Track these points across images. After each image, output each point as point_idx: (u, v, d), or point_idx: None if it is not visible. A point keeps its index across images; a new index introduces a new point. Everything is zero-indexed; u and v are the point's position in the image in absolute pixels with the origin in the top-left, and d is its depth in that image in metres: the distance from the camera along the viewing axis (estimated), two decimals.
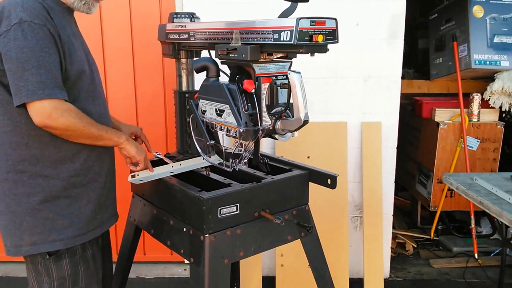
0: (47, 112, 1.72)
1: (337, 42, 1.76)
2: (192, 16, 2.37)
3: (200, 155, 2.15)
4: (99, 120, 1.93)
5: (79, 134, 1.82)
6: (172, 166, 2.26)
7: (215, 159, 2.10)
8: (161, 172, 2.20)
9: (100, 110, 2.00)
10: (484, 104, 3.96)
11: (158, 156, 2.36)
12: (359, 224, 3.74)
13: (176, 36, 2.30)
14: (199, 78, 2.18)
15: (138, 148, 2.04)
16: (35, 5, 1.75)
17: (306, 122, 1.82)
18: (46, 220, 1.85)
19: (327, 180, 2.17)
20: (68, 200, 1.89)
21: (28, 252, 1.86)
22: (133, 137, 2.35)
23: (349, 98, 3.58)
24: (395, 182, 3.76)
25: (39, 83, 1.69)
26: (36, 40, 1.70)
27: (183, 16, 2.36)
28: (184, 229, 2.00)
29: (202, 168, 2.27)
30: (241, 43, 1.83)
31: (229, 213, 1.93)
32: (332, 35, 1.74)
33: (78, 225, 1.91)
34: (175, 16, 2.37)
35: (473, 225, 4.01)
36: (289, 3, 1.84)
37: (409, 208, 4.95)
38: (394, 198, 3.83)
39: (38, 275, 1.90)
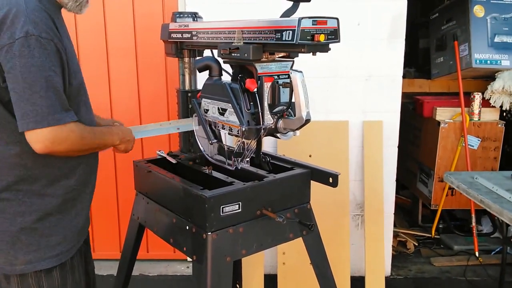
0: (49, 139, 1.57)
1: (338, 41, 1.76)
2: (194, 16, 2.37)
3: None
4: (90, 125, 1.84)
5: (83, 150, 1.75)
6: (161, 125, 2.25)
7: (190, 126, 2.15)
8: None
9: (91, 117, 1.91)
10: (485, 103, 3.96)
11: (161, 154, 2.36)
12: (361, 223, 3.74)
13: (179, 35, 2.30)
14: (202, 77, 2.19)
15: (128, 144, 1.99)
16: (41, 14, 1.57)
17: (308, 121, 1.82)
18: (41, 237, 1.74)
19: (329, 178, 2.17)
20: (61, 215, 1.79)
21: (23, 271, 1.74)
22: None
23: (350, 97, 3.58)
24: (396, 180, 3.76)
25: (49, 107, 1.54)
26: (44, 58, 1.53)
27: (186, 15, 2.36)
28: (187, 227, 2.00)
29: (204, 167, 2.27)
30: (243, 43, 1.83)
31: (232, 211, 1.93)
32: (334, 35, 1.74)
33: (70, 238, 1.83)
34: (178, 15, 2.37)
35: (473, 224, 4.02)
36: (291, 3, 1.84)
37: (410, 206, 4.94)
38: (395, 196, 3.84)
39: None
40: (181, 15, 2.36)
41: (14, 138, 1.65)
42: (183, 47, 2.37)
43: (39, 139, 1.56)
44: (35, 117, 1.53)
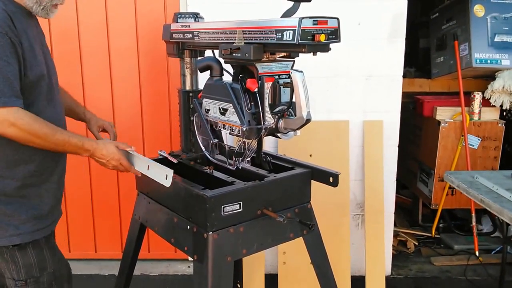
0: (0, 120, 1.72)
1: (339, 41, 1.77)
2: (196, 16, 2.38)
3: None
4: (55, 121, 1.91)
5: (35, 142, 1.81)
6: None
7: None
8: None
9: (55, 111, 2.01)
10: (485, 102, 3.96)
11: (163, 154, 2.36)
12: (361, 222, 3.75)
13: (181, 35, 2.31)
14: (203, 77, 2.19)
15: (107, 155, 1.97)
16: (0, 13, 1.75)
17: (308, 120, 1.83)
18: (4, 216, 1.88)
19: (329, 178, 2.18)
20: (24, 199, 1.93)
21: None
22: (101, 130, 2.39)
23: (350, 97, 3.58)
24: (397, 180, 3.75)
25: None
26: None
27: (187, 16, 2.37)
28: (188, 227, 2.00)
29: (205, 167, 2.27)
30: (244, 43, 1.83)
31: (232, 211, 1.93)
32: (334, 35, 1.74)
33: (35, 220, 1.95)
34: (179, 16, 2.38)
35: (474, 223, 4.01)
36: (292, 3, 1.84)
37: (410, 206, 4.94)
38: (396, 196, 3.84)
39: (6, 263, 1.94)
40: (183, 16, 2.37)
41: None
42: (184, 47, 2.37)
43: None
44: None
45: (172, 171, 1.83)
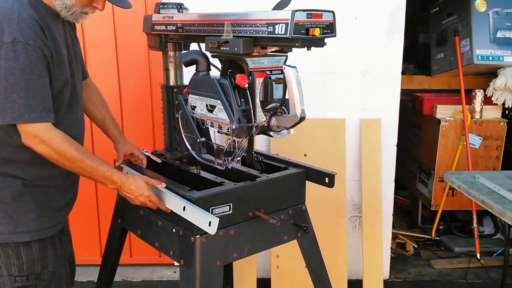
0: (32, 135, 1.80)
1: (334, 36, 1.76)
2: (180, 7, 2.36)
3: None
4: (73, 128, 2.00)
5: (64, 164, 1.87)
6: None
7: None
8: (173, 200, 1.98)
9: (75, 117, 2.07)
10: (487, 100, 3.98)
11: (145, 153, 2.34)
12: (358, 224, 3.74)
13: (163, 27, 2.27)
14: (188, 72, 2.16)
15: (135, 191, 1.97)
16: (30, 22, 1.77)
17: (302, 118, 1.81)
18: (15, 212, 1.94)
19: (325, 178, 2.17)
20: (36, 198, 1.98)
21: None
22: (129, 154, 2.37)
23: (347, 94, 3.57)
24: (395, 180, 3.75)
25: (26, 106, 1.75)
26: (28, 62, 1.74)
27: (170, 6, 2.34)
28: (174, 230, 1.97)
29: (192, 167, 2.24)
30: (233, 36, 1.81)
31: (222, 213, 1.90)
32: (330, 29, 1.73)
33: (44, 218, 2.00)
34: (161, 6, 2.36)
35: (475, 225, 4.03)
36: None
37: (409, 207, 4.96)
38: (394, 197, 3.84)
39: (8, 258, 1.97)
40: (165, 6, 2.35)
41: None
42: (167, 40, 2.34)
43: (24, 133, 1.81)
44: (12, 114, 1.76)
45: (218, 219, 1.75)
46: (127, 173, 2.16)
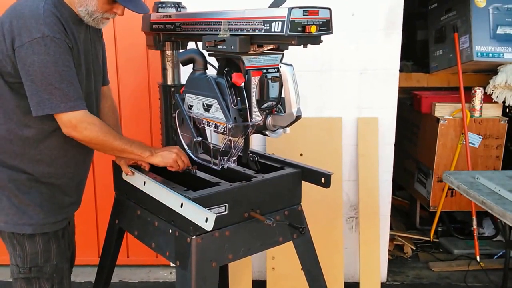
0: (73, 124, 1.97)
1: (331, 33, 1.78)
2: (178, 6, 2.38)
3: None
4: None
5: (102, 147, 2.08)
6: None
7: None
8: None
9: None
10: (487, 98, 3.96)
11: None
12: (355, 225, 3.76)
13: (161, 26, 2.30)
14: (185, 71, 2.19)
15: (163, 157, 2.17)
16: (54, 19, 1.93)
17: (298, 117, 1.83)
18: (20, 204, 2.08)
19: (321, 178, 2.19)
20: (43, 192, 2.12)
21: (1, 228, 2.11)
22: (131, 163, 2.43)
23: (344, 92, 3.58)
24: (393, 181, 3.76)
25: (62, 96, 1.93)
26: (58, 55, 1.91)
27: (168, 5, 2.37)
28: (170, 231, 2.00)
29: (188, 167, 2.27)
30: (230, 34, 1.83)
31: (217, 213, 1.92)
32: (326, 26, 1.75)
33: (48, 213, 2.13)
34: (159, 5, 2.38)
35: (475, 226, 4.02)
36: None
37: (407, 208, 4.96)
38: (392, 197, 3.84)
39: (14, 248, 2.12)
40: (164, 5, 2.37)
41: (9, 115, 2.03)
42: (165, 39, 2.37)
43: (65, 123, 1.97)
44: (50, 105, 1.93)
45: (214, 215, 1.80)
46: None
